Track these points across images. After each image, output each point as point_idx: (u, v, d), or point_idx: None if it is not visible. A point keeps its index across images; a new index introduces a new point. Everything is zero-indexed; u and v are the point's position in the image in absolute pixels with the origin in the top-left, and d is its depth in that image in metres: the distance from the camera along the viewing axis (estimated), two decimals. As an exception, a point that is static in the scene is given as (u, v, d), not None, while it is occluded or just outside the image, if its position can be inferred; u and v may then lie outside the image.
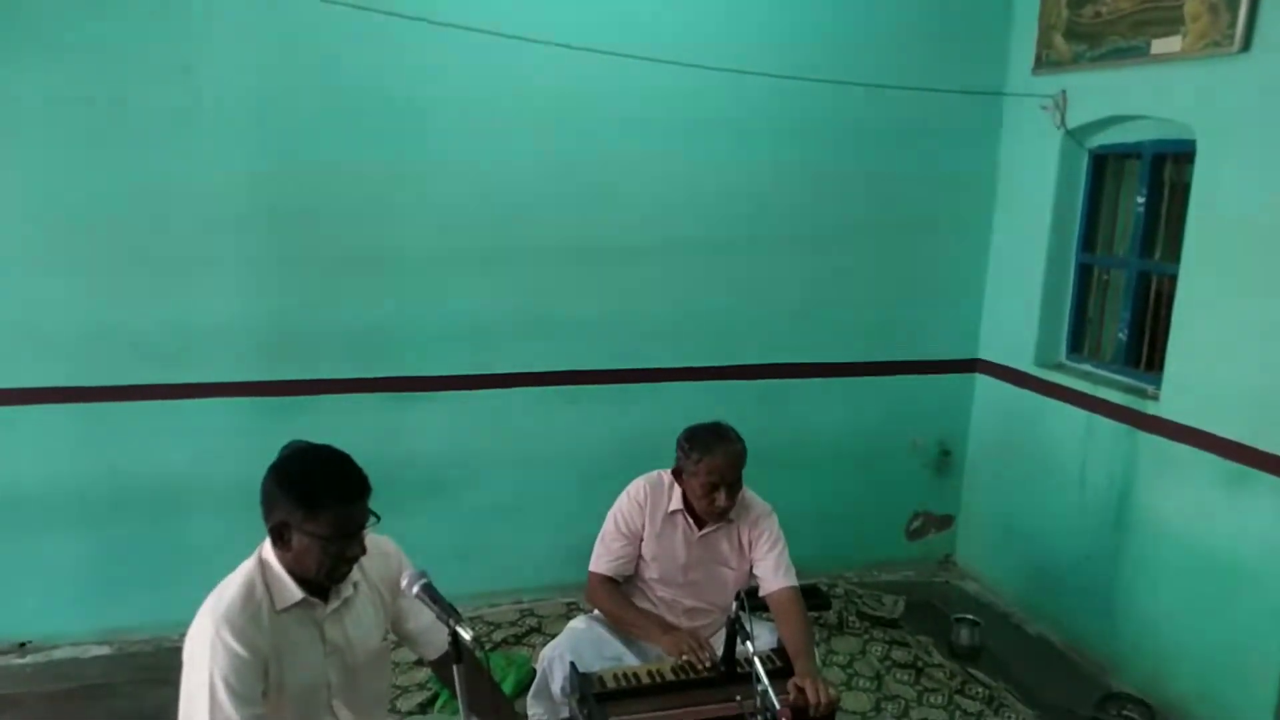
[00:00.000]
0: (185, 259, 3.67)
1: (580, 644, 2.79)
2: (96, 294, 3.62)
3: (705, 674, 2.61)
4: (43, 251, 3.55)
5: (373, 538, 2.17)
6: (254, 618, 1.96)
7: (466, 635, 1.86)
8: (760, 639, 2.76)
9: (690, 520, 2.91)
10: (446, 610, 1.91)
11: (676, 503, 2.90)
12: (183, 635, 1.98)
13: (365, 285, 3.87)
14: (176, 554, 3.78)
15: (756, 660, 2.24)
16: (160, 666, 3.54)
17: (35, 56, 3.40)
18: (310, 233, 3.78)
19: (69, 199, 3.53)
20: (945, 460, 4.78)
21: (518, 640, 3.88)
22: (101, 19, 3.44)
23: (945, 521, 4.87)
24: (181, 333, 3.72)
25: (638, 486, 2.96)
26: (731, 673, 2.58)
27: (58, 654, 3.75)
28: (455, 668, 1.90)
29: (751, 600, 2.50)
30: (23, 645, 3.77)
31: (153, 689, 3.39)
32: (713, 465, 2.76)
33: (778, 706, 2.16)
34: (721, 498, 2.79)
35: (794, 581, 2.87)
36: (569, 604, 4.10)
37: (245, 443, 3.60)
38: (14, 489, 3.67)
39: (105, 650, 3.79)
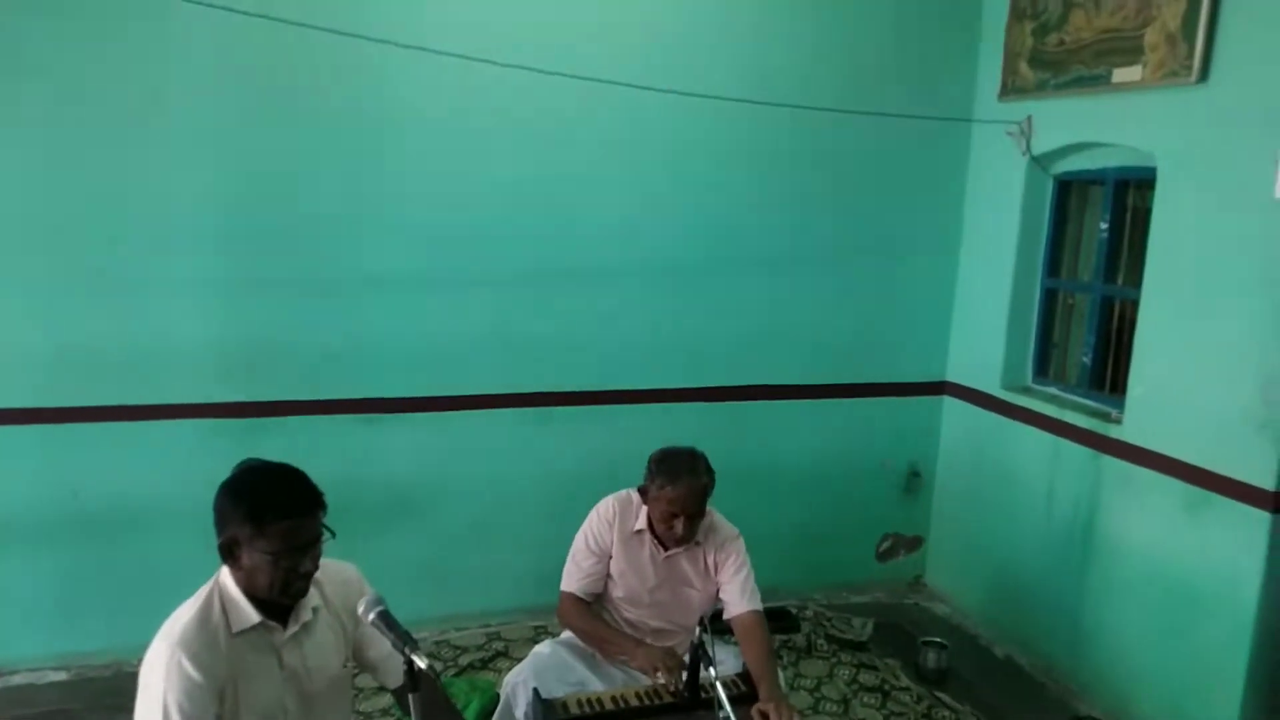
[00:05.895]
0: (149, 279, 3.63)
1: (544, 669, 2.77)
2: (58, 314, 3.57)
3: (669, 699, 2.60)
4: (3, 271, 3.50)
5: (335, 563, 2.16)
6: (211, 642, 1.93)
7: (422, 663, 1.83)
8: (724, 663, 2.76)
9: (655, 541, 2.90)
10: (402, 638, 1.88)
11: (642, 522, 2.90)
12: (142, 660, 1.95)
13: (333, 306, 3.85)
14: (137, 577, 3.72)
15: (719, 686, 2.23)
16: (119, 692, 3.47)
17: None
18: (277, 253, 3.76)
19: (29, 218, 3.49)
20: (915, 481, 4.80)
21: (484, 665, 3.84)
22: (62, 40, 3.41)
23: (915, 543, 4.89)
24: (145, 353, 3.67)
25: (606, 504, 2.96)
26: (695, 698, 2.57)
27: (15, 680, 3.67)
28: (411, 697, 1.87)
29: (714, 623, 2.49)
30: (-22, 671, 3.70)
31: (111, 716, 3.35)
32: (674, 496, 2.75)
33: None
34: (679, 527, 2.79)
35: (758, 606, 2.86)
36: (536, 627, 4.07)
37: (209, 465, 3.41)
38: (-29, 511, 3.61)
39: (63, 676, 3.71)
